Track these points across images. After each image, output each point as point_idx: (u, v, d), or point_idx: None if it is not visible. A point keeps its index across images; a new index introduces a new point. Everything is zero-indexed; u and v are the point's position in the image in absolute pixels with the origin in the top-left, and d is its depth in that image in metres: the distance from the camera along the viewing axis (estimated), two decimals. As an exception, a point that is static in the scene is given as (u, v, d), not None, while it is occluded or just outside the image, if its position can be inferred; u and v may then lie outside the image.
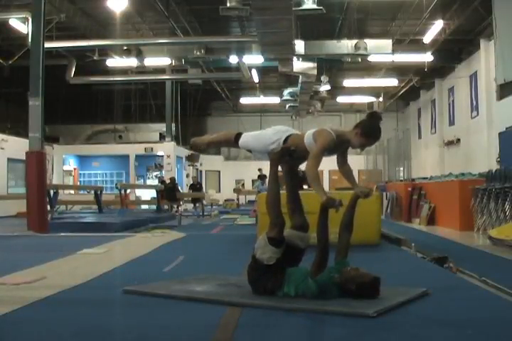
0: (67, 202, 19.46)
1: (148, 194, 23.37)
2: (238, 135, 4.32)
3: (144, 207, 22.26)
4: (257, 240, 3.90)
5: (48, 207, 11.46)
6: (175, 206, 17.79)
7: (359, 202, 4.08)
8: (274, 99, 27.14)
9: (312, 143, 3.97)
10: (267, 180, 4.23)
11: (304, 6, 12.04)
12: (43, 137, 10.53)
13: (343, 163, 4.16)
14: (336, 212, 3.81)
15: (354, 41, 14.91)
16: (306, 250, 3.95)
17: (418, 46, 19.30)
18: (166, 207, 17.91)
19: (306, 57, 16.67)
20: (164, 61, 19.16)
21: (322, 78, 21.37)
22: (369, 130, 3.97)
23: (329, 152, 4.01)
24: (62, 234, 9.72)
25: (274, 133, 4.16)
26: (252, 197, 21.06)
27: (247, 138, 4.28)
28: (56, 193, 13.02)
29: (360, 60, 16.74)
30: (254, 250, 3.84)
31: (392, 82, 24.45)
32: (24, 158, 10.55)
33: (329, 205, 3.77)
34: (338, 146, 4.00)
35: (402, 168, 17.02)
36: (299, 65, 17.25)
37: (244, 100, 29.02)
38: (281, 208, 3.90)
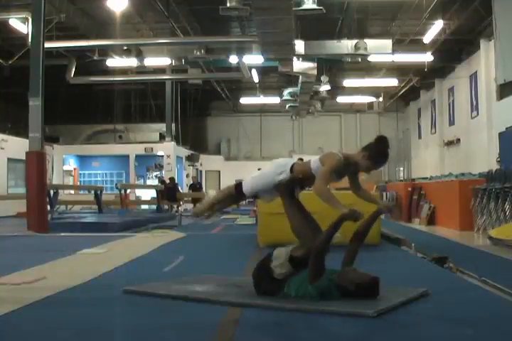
0: (67, 202, 19.47)
1: (148, 194, 23.38)
2: (238, 185, 4.19)
3: (144, 207, 22.28)
4: (278, 249, 3.83)
5: (48, 207, 11.46)
6: (175, 206, 17.80)
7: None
8: (274, 99, 27.15)
9: (320, 168, 3.93)
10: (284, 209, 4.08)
11: (304, 6, 12.03)
12: (43, 137, 10.53)
13: (357, 188, 4.13)
14: (355, 223, 3.76)
15: (354, 41, 14.90)
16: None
17: (418, 46, 19.30)
18: (166, 207, 17.92)
19: (306, 57, 16.67)
20: (164, 61, 19.17)
21: (322, 78, 21.37)
22: (376, 154, 3.95)
23: (337, 175, 3.98)
24: (62, 234, 9.72)
25: (276, 166, 4.12)
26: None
27: (250, 182, 4.18)
28: (56, 193, 13.02)
29: (360, 60, 16.73)
30: (270, 256, 3.80)
31: (392, 82, 24.46)
32: (24, 158, 10.55)
33: (350, 218, 3.71)
34: (346, 168, 3.97)
35: (402, 168, 17.06)
36: (299, 65, 17.25)
37: (244, 100, 29.02)
38: (307, 230, 3.84)
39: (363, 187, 4.17)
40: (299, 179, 3.98)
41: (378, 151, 3.96)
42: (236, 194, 4.22)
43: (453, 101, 23.14)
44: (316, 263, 3.66)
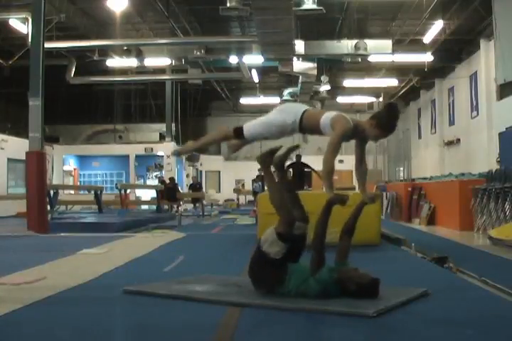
0: (67, 202, 19.46)
1: (148, 194, 23.37)
2: (238, 129, 4.16)
3: (144, 207, 22.27)
4: (264, 234, 3.84)
5: (48, 207, 11.45)
6: (175, 206, 17.79)
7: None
8: (274, 99, 27.13)
9: (327, 127, 3.91)
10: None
11: (304, 6, 12.05)
12: (43, 137, 10.52)
13: (360, 161, 4.07)
14: (343, 207, 3.76)
15: (354, 41, 14.92)
16: (304, 242, 3.92)
17: (418, 46, 19.30)
18: (166, 207, 17.91)
19: (306, 57, 16.69)
20: (164, 61, 19.18)
21: (322, 78, 21.39)
22: (385, 122, 3.91)
23: (345, 138, 3.95)
24: (62, 234, 9.71)
25: (287, 113, 4.07)
26: (252, 197, 21.04)
27: (254, 126, 4.15)
28: (56, 193, 13.01)
29: (360, 60, 16.76)
30: (260, 242, 3.80)
31: (392, 82, 24.46)
32: (24, 158, 10.55)
33: (337, 202, 3.73)
34: (354, 135, 3.95)
35: (402, 168, 17.05)
36: (299, 65, 17.27)
37: (244, 100, 29.03)
38: (287, 204, 3.86)
39: (366, 163, 4.10)
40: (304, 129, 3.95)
41: (387, 120, 3.91)
42: (235, 137, 4.15)
43: (453, 101, 23.14)
44: (317, 254, 3.67)
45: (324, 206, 3.78)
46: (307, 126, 4.02)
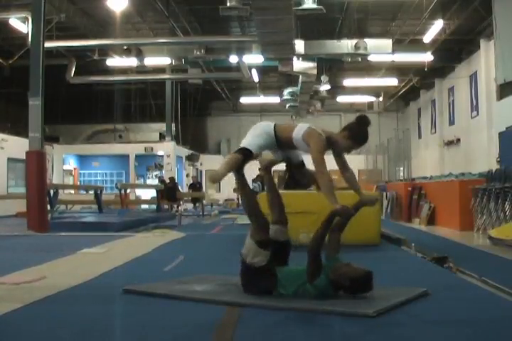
0: (67, 201, 19.45)
1: (148, 194, 23.37)
2: (241, 150, 3.99)
3: (144, 206, 22.26)
4: (243, 247, 3.87)
5: (48, 207, 11.45)
6: (175, 206, 17.80)
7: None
8: (274, 99, 27.16)
9: (300, 141, 3.91)
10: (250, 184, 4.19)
11: (304, 6, 12.04)
12: (43, 137, 10.52)
13: (343, 168, 4.04)
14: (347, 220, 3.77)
15: (354, 41, 14.90)
16: (289, 244, 3.94)
17: (418, 46, 19.29)
18: (166, 206, 17.91)
19: (306, 57, 16.67)
20: (164, 61, 19.17)
21: (322, 78, 21.38)
22: (356, 134, 3.96)
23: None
24: (62, 233, 9.71)
25: (259, 133, 4.01)
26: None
27: (251, 141, 4.01)
28: (56, 193, 13.00)
29: (360, 59, 16.76)
30: (242, 256, 3.83)
31: (392, 81, 24.47)
32: (24, 157, 10.55)
33: (341, 215, 3.71)
34: (328, 146, 3.95)
35: (402, 168, 17.03)
36: (299, 65, 17.24)
37: (244, 100, 29.04)
38: (260, 209, 3.89)
39: (350, 168, 4.07)
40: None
41: (359, 131, 3.97)
42: (243, 156, 3.98)
43: (453, 101, 23.15)
44: (315, 263, 3.65)
45: (327, 216, 3.75)
46: (282, 140, 3.99)
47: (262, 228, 3.81)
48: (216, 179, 3.97)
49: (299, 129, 3.95)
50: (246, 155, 3.96)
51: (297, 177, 4.37)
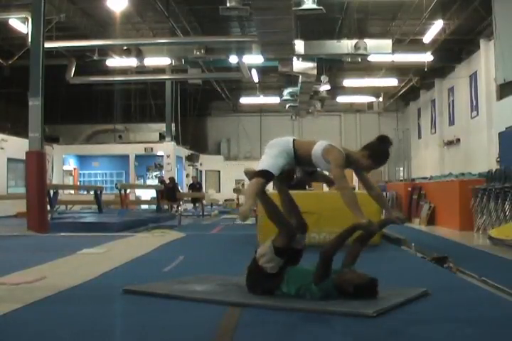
0: (67, 202, 19.46)
1: (148, 194, 23.37)
2: (263, 173, 3.89)
3: (144, 207, 22.26)
4: (261, 245, 3.87)
5: (48, 207, 11.45)
6: (175, 206, 17.80)
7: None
8: (274, 99, 27.14)
9: (319, 158, 3.84)
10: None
11: (304, 6, 12.02)
12: (43, 137, 10.52)
13: (368, 187, 3.98)
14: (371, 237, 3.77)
15: (354, 41, 14.89)
16: (303, 250, 3.94)
17: (418, 46, 19.29)
18: (165, 207, 17.92)
19: (306, 57, 16.66)
20: (164, 61, 19.15)
21: (322, 78, 21.35)
22: (377, 154, 3.88)
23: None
24: (62, 234, 9.72)
25: (278, 153, 3.93)
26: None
27: (272, 163, 3.91)
28: (56, 193, 13.01)
29: (360, 59, 16.72)
30: (256, 254, 3.82)
31: (392, 82, 24.45)
32: (24, 158, 10.55)
33: (364, 229, 3.70)
34: (347, 165, 3.88)
35: (402, 168, 17.06)
36: (298, 65, 17.23)
37: (244, 100, 29.02)
38: (285, 217, 3.84)
39: (374, 186, 4.00)
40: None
41: (380, 151, 3.89)
42: (264, 180, 3.90)
43: (453, 101, 23.14)
44: (325, 267, 3.65)
45: (350, 227, 3.72)
46: (301, 157, 3.93)
47: (287, 237, 3.75)
48: (247, 215, 3.84)
49: (318, 146, 3.87)
50: (268, 178, 3.87)
51: (303, 178, 4.31)
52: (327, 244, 3.73)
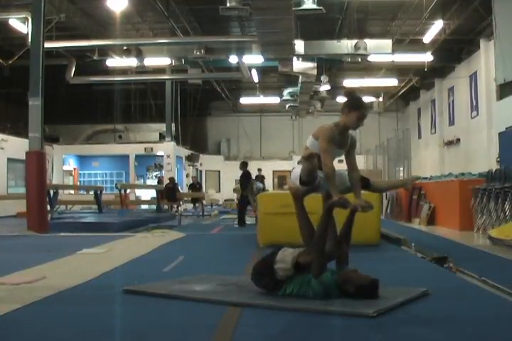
0: (67, 202, 19.46)
1: (148, 194, 23.37)
2: (307, 182, 4.05)
3: (144, 207, 22.27)
4: (283, 251, 3.81)
5: (48, 207, 11.46)
6: (175, 206, 17.80)
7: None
8: (274, 99, 27.14)
9: (314, 143, 4.02)
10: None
11: (304, 6, 12.02)
12: (43, 137, 10.53)
13: (351, 168, 4.17)
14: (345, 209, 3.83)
15: (354, 41, 14.89)
16: None
17: (418, 46, 19.29)
18: (165, 207, 17.92)
19: (306, 57, 16.67)
20: (164, 61, 19.15)
21: (322, 78, 21.36)
22: (355, 102, 4.13)
23: (337, 146, 4.05)
24: (62, 234, 9.72)
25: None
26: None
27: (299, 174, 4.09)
28: (56, 193, 13.01)
29: (360, 59, 16.72)
30: (275, 256, 3.78)
31: (392, 82, 24.44)
32: (24, 158, 10.55)
33: (338, 206, 3.75)
34: (342, 136, 4.07)
35: (402, 168, 17.02)
36: (298, 65, 17.24)
37: (244, 100, 29.01)
38: (324, 246, 3.75)
39: (358, 170, 4.20)
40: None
41: (354, 100, 4.17)
42: (306, 186, 4.07)
43: (453, 101, 23.13)
44: (320, 256, 3.67)
45: (325, 209, 3.79)
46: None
47: (314, 260, 3.68)
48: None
49: (309, 138, 4.13)
50: (304, 182, 4.07)
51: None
52: (315, 236, 3.78)
